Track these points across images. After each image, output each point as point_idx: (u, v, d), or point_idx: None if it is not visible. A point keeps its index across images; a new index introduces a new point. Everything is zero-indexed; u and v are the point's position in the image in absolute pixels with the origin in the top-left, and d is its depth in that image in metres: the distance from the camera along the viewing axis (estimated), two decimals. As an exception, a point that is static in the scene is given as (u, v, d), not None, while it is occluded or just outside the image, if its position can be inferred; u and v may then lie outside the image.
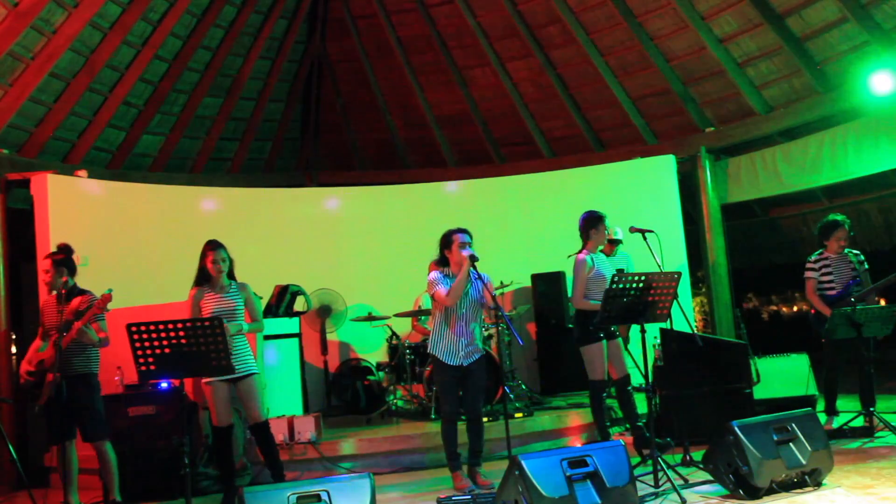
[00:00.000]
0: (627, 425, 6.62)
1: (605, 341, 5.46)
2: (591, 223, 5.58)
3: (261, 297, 6.26)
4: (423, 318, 7.39)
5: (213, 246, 5.02)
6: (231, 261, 5.08)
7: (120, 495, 4.93)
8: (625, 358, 5.63)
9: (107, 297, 4.69)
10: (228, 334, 4.87)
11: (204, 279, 5.02)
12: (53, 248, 5.14)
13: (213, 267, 4.97)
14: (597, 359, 5.45)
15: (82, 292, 4.99)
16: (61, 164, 7.92)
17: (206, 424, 6.05)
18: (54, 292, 4.95)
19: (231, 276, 5.10)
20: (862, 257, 6.22)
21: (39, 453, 6.51)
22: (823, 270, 6.15)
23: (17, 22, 6.68)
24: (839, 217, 6.20)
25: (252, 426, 5.08)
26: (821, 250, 6.23)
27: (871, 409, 5.79)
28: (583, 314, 5.45)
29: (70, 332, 4.74)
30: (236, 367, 4.94)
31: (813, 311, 6.24)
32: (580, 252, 5.60)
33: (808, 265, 6.25)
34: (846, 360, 6.13)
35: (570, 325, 7.97)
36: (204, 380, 4.95)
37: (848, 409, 6.15)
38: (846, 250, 6.18)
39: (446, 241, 5.19)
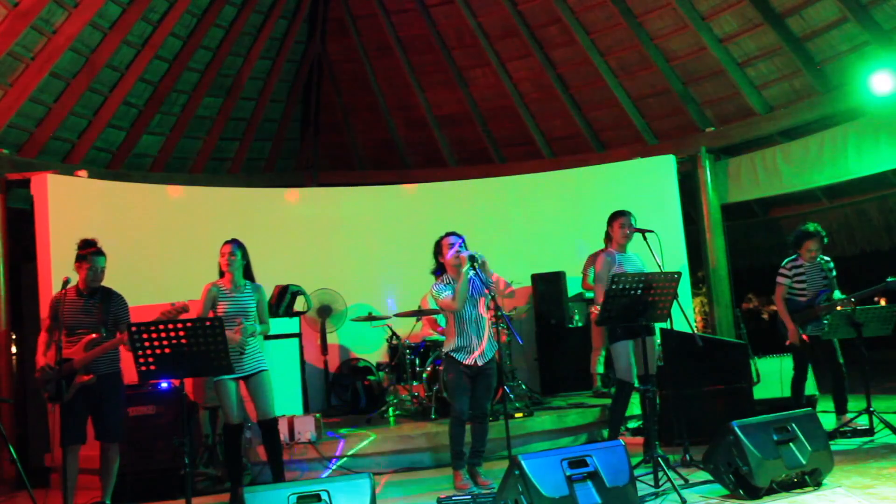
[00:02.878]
0: (628, 425, 6.64)
1: (631, 341, 5.38)
2: (609, 222, 5.66)
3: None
4: (440, 317, 7.37)
5: (228, 241, 5.17)
6: (248, 261, 5.19)
7: (110, 500, 4.92)
8: (653, 358, 5.44)
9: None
10: (246, 334, 4.94)
11: (220, 273, 5.15)
12: (73, 246, 4.98)
13: (222, 259, 5.09)
14: (622, 358, 5.43)
15: (110, 291, 4.95)
16: (61, 164, 7.91)
17: (206, 424, 6.07)
18: (70, 286, 4.82)
19: (248, 276, 5.20)
20: (831, 264, 6.19)
21: (39, 453, 6.50)
22: (797, 278, 6.14)
23: (17, 22, 6.68)
24: (811, 227, 6.15)
25: (260, 422, 5.12)
26: (794, 256, 6.20)
27: (871, 409, 5.81)
28: None
29: (112, 341, 4.75)
30: (246, 366, 5.01)
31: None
32: (603, 250, 5.64)
33: (782, 271, 6.24)
34: (850, 361, 6.14)
35: (570, 325, 8.03)
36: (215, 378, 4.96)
37: (848, 410, 6.15)
38: (819, 257, 6.17)
39: (438, 248, 5.25)
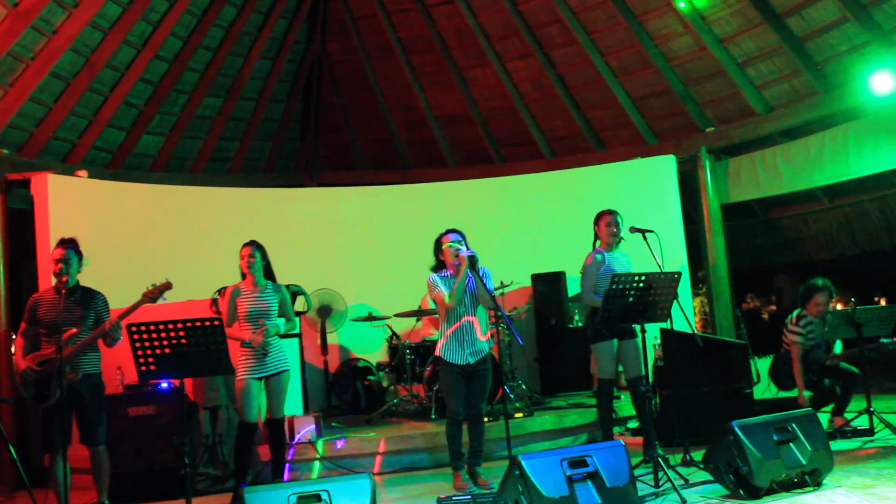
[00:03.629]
0: (628, 425, 6.65)
1: (616, 340, 5.41)
2: (595, 221, 5.65)
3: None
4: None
5: (247, 243, 5.22)
6: (267, 262, 5.23)
7: (108, 500, 4.91)
8: (640, 359, 5.50)
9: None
10: (268, 336, 4.99)
11: (242, 276, 5.20)
12: (55, 245, 4.94)
13: (242, 262, 5.14)
14: (604, 357, 5.44)
15: (90, 289, 4.92)
16: (61, 164, 7.92)
17: (206, 424, 6.07)
18: (54, 285, 4.77)
19: (269, 276, 5.25)
20: (831, 314, 6.09)
21: (39, 453, 6.48)
22: (810, 335, 6.02)
23: (17, 22, 6.68)
24: (820, 281, 6.05)
25: (268, 420, 5.15)
26: (799, 310, 6.09)
27: (872, 409, 5.81)
28: (594, 312, 5.41)
29: (94, 332, 4.72)
30: (269, 366, 5.05)
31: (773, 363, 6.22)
32: (592, 251, 5.64)
33: (793, 329, 6.04)
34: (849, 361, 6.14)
35: (570, 325, 8.02)
36: (238, 376, 4.99)
37: (848, 409, 6.15)
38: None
39: (437, 245, 5.25)
